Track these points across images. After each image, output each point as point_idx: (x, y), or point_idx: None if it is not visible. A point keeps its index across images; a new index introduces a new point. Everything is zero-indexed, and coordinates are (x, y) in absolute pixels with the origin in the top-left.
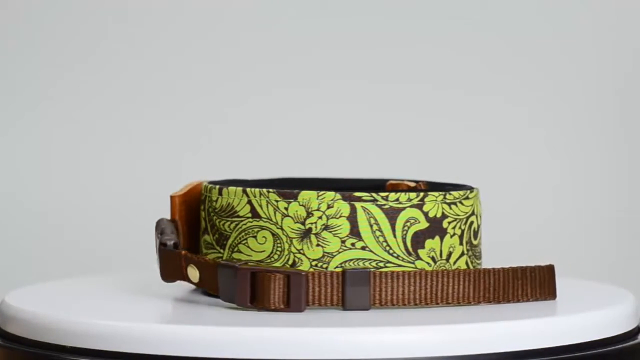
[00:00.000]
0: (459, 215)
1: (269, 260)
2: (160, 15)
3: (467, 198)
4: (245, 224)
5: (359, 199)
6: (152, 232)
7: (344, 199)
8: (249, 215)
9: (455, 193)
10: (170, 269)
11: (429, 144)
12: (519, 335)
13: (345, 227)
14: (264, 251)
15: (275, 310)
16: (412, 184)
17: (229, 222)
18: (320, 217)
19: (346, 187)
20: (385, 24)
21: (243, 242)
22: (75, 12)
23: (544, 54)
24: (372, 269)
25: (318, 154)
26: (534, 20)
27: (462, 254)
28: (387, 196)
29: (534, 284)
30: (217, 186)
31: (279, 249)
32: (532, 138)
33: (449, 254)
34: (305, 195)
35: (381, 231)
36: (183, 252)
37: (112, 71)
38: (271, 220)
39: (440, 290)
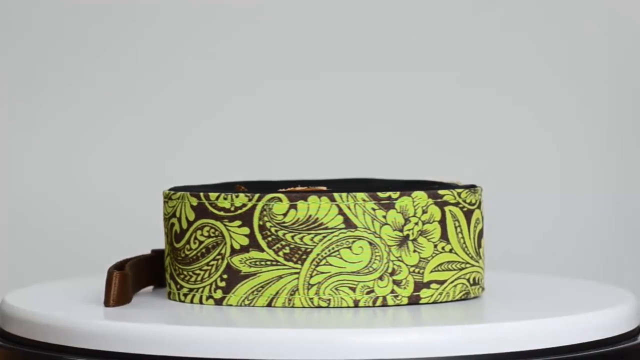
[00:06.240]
0: (166, 213)
1: None
2: (153, 15)
3: (170, 199)
4: None
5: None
6: (151, 232)
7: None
8: None
9: (167, 191)
10: None
11: (427, 143)
12: (520, 335)
13: None
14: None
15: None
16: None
17: None
18: None
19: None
20: (387, 19)
21: None
22: (74, 13)
23: (543, 52)
24: None
25: (315, 153)
26: (538, 22)
27: (168, 254)
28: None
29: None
30: None
31: None
32: (532, 138)
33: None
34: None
35: None
36: None
37: (104, 72)
38: None
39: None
